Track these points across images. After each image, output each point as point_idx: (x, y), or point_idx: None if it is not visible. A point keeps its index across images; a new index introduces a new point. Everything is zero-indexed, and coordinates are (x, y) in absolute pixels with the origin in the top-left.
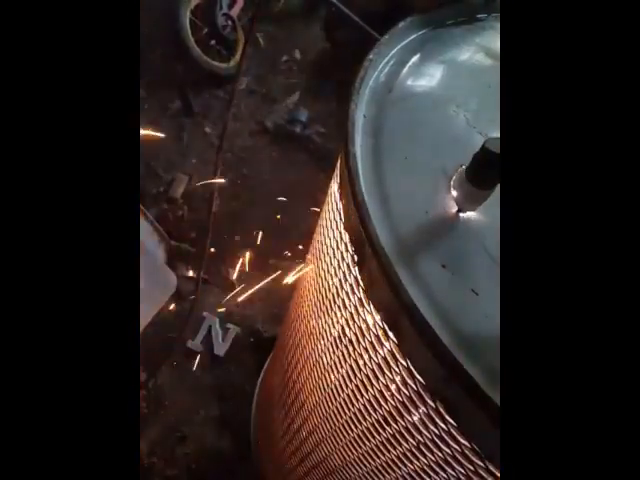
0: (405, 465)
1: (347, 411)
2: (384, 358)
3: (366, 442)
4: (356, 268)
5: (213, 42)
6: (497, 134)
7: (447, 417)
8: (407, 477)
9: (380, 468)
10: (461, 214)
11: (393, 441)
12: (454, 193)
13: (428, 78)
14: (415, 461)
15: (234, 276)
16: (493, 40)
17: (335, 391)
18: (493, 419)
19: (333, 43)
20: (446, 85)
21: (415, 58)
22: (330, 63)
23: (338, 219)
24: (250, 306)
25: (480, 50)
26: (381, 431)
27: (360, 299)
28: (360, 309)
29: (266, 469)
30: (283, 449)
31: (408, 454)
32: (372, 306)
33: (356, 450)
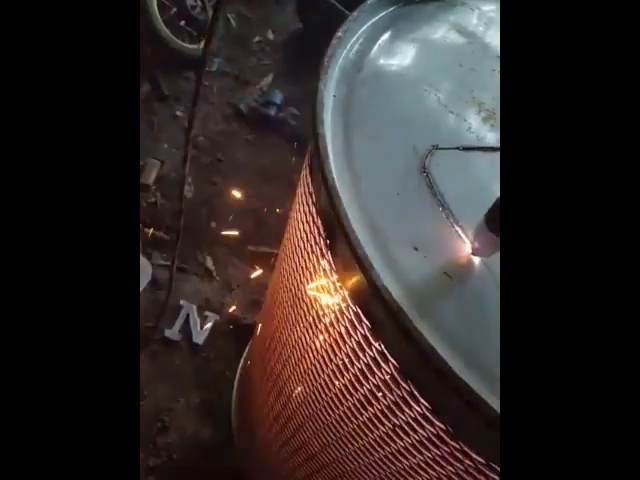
0: (382, 448)
1: (325, 395)
2: (358, 342)
3: (344, 426)
4: (329, 252)
5: (183, 23)
6: (468, 113)
7: (421, 400)
8: (385, 460)
9: (358, 451)
10: (433, 191)
11: (370, 425)
12: (472, 241)
13: (399, 56)
14: (392, 444)
15: (211, 264)
16: (465, 17)
17: (312, 376)
18: (466, 401)
19: (306, 24)
20: (417, 63)
21: (385, 36)
22: (304, 44)
23: (310, 202)
24: (228, 293)
25: (452, 28)
26: (358, 415)
27: (334, 283)
28: (334, 294)
29: (248, 455)
30: (264, 435)
31: (385, 437)
32: (345, 291)
33: (335, 434)
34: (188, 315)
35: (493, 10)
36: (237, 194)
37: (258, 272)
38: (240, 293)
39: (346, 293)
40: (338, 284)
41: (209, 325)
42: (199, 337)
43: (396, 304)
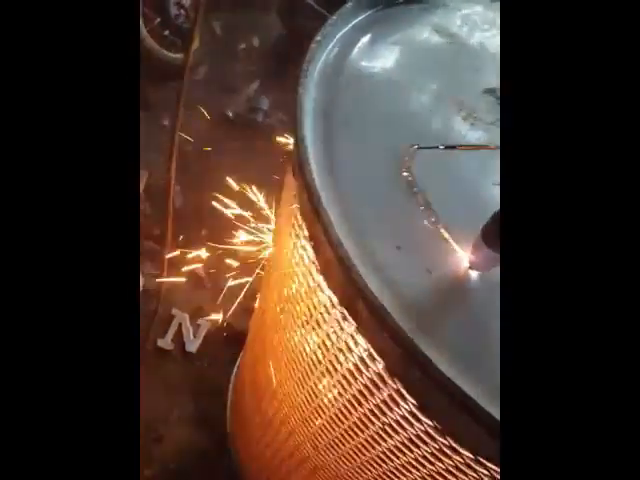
0: (374, 447)
1: (315, 397)
2: (346, 343)
3: (335, 428)
4: (313, 254)
5: (167, 32)
6: (449, 112)
7: (409, 397)
8: (377, 459)
9: (351, 452)
10: (415, 190)
11: (361, 424)
12: (470, 255)
13: (379, 59)
14: (383, 442)
15: (202, 271)
16: (446, 19)
17: (303, 378)
18: (451, 397)
19: (291, 29)
20: (398, 65)
21: (365, 39)
22: (289, 49)
23: (294, 205)
24: (221, 300)
25: (432, 29)
26: (348, 415)
27: (319, 284)
28: (320, 294)
29: (245, 463)
30: (258, 441)
31: (376, 436)
32: (330, 291)
33: (327, 436)
34: (180, 324)
35: (475, 11)
36: (227, 201)
37: (249, 278)
38: (233, 300)
39: (331, 294)
40: (324, 285)
41: (202, 333)
42: (192, 346)
43: (378, 302)
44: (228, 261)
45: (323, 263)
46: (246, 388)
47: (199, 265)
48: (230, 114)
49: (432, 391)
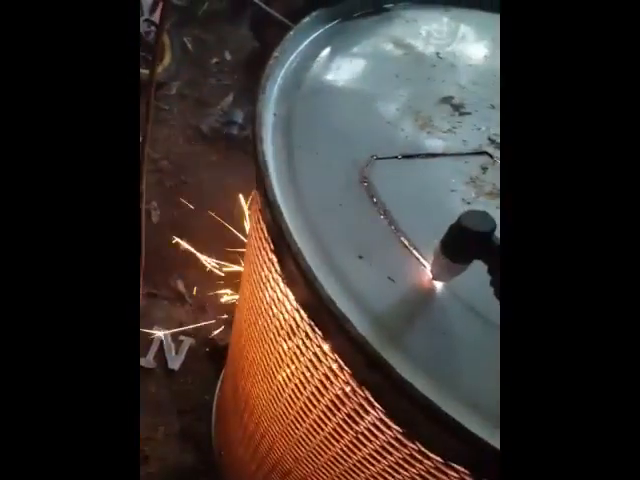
0: (350, 457)
1: (291, 409)
2: (315, 354)
3: (312, 438)
4: (279, 267)
5: None
6: (405, 122)
7: (377, 405)
8: (354, 468)
9: (329, 462)
10: (375, 200)
11: (335, 435)
12: (431, 266)
13: (337, 71)
14: (357, 451)
15: (182, 287)
16: (401, 29)
17: (279, 392)
18: (415, 404)
19: (262, 42)
20: (355, 77)
21: (324, 52)
22: (261, 62)
23: (260, 219)
24: (203, 315)
25: (389, 40)
26: (323, 426)
27: (287, 297)
28: (288, 306)
29: (230, 478)
30: (242, 456)
31: (350, 445)
32: (297, 303)
33: (305, 447)
34: (162, 341)
35: (430, 22)
36: (204, 215)
37: (229, 292)
38: (214, 315)
39: (298, 306)
40: (291, 297)
41: (184, 350)
42: (175, 363)
43: (340, 312)
44: (210, 274)
45: (288, 276)
46: (228, 403)
47: (179, 280)
48: (205, 129)
49: (398, 398)
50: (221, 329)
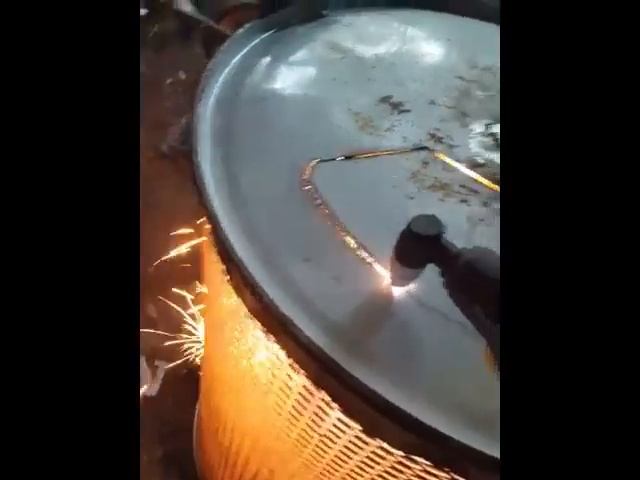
0: (318, 461)
1: (257, 420)
2: (271, 360)
3: (280, 446)
4: (228, 277)
5: None
6: (346, 123)
7: (334, 405)
8: (324, 472)
9: (302, 468)
10: (318, 202)
11: (302, 440)
12: (387, 272)
13: (276, 79)
14: (325, 455)
15: (153, 310)
16: (338, 34)
17: (245, 404)
18: (366, 400)
19: None
20: (293, 83)
21: (261, 61)
22: None
23: (209, 232)
24: (175, 338)
25: (326, 45)
26: (289, 433)
27: (240, 306)
28: (243, 316)
29: None
30: (223, 476)
31: (317, 449)
32: (247, 311)
33: (276, 455)
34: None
35: (365, 26)
36: (170, 236)
37: (200, 310)
38: (188, 336)
39: (250, 315)
40: (243, 306)
41: (161, 375)
42: (152, 389)
43: (287, 317)
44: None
45: (236, 285)
46: (204, 423)
47: (149, 304)
48: (165, 148)
49: (353, 397)
50: (197, 349)
